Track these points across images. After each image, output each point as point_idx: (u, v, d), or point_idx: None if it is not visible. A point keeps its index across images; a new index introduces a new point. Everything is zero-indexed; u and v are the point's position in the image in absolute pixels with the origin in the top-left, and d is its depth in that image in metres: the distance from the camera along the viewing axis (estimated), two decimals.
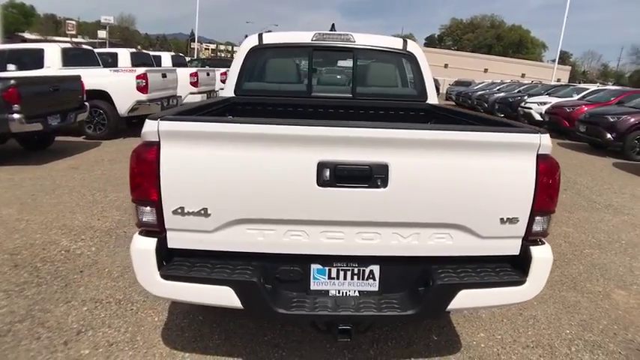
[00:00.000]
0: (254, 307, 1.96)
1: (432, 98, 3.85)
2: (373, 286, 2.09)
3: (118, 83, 8.85)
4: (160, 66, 13.93)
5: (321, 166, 1.84)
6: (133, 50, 12.68)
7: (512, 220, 2.01)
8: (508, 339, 2.92)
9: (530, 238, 2.08)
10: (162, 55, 14.32)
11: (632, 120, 9.73)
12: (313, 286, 2.07)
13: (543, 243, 2.13)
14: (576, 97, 16.05)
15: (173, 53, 15.48)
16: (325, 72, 4.08)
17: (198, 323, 2.87)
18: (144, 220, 1.94)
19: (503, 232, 2.03)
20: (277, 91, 3.72)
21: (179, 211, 1.88)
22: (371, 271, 2.08)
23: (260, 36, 3.61)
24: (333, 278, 2.07)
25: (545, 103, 15.03)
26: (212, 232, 1.92)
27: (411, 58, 3.77)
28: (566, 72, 50.52)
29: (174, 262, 1.99)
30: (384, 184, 1.87)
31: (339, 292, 2.08)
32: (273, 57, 3.72)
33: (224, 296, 1.91)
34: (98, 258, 3.76)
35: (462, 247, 2.04)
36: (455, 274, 2.03)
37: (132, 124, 10.25)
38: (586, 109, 12.39)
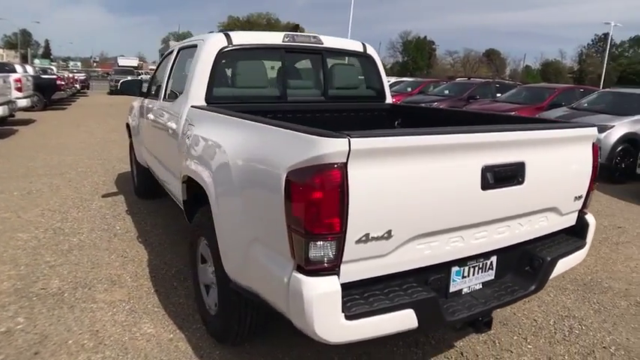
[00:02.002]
0: (429, 322, 1.90)
1: (389, 98, 4.08)
2: (491, 275, 2.24)
3: None
4: None
5: (485, 170, 1.89)
6: None
7: (579, 197, 2.42)
8: None
9: (584, 210, 2.53)
10: None
11: (442, 107, 11.87)
12: (452, 289, 2.09)
13: (587, 213, 2.61)
14: None
15: None
16: (296, 75, 3.88)
17: None
18: (315, 256, 1.62)
19: (574, 207, 2.43)
20: (253, 96, 3.37)
21: (363, 238, 1.65)
22: (491, 263, 2.21)
23: (228, 36, 3.21)
24: (466, 277, 2.13)
25: None
26: (386, 255, 1.75)
27: (371, 60, 3.91)
28: None
29: (344, 299, 1.73)
30: (523, 180, 2.04)
31: (469, 289, 2.16)
32: (246, 59, 3.34)
33: (406, 320, 1.78)
34: (42, 330, 2.81)
35: (550, 225, 2.36)
36: (548, 249, 2.34)
37: None
38: (394, 100, 14.48)
